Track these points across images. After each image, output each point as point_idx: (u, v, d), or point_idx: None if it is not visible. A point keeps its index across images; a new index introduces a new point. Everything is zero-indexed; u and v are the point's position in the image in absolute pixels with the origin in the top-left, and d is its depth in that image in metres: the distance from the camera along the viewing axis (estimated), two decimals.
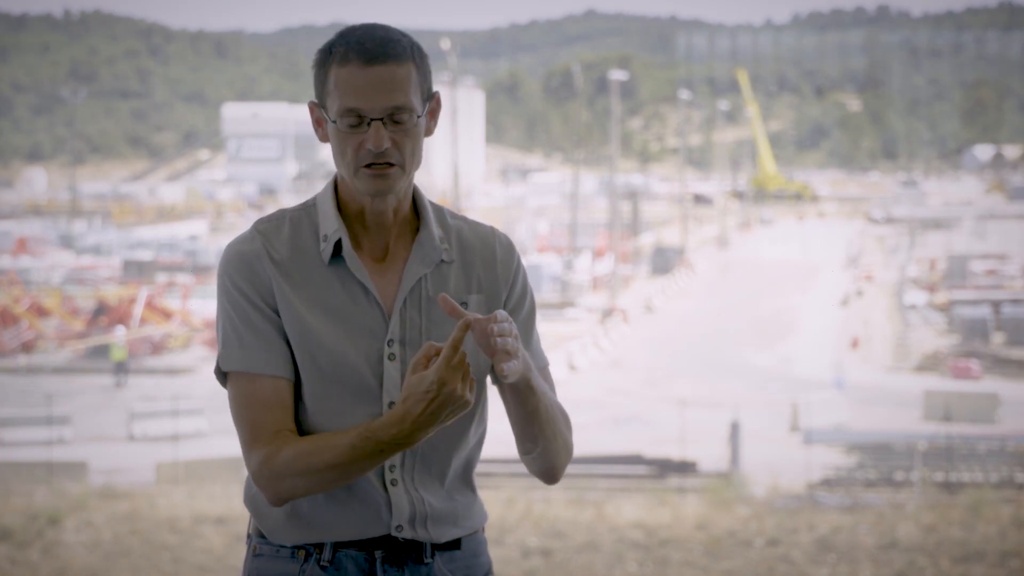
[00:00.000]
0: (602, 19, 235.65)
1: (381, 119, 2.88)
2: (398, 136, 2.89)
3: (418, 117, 2.91)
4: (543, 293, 54.29)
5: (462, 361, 2.77)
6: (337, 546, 2.96)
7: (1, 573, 23.14)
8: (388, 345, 2.93)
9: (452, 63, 64.22)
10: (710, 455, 29.17)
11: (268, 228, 2.99)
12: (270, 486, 2.89)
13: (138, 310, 45.00)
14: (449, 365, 2.76)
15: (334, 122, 2.90)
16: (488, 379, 3.07)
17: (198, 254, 62.88)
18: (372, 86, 2.87)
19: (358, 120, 2.89)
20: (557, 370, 39.88)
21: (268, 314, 2.93)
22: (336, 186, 3.01)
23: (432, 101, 2.97)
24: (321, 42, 2.99)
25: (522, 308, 3.10)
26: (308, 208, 3.01)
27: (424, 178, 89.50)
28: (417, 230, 3.01)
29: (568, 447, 3.03)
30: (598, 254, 63.49)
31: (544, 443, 2.99)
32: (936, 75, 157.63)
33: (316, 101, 2.96)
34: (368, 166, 2.90)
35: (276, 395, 2.92)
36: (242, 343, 2.92)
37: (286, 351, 2.92)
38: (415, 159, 2.93)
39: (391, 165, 2.90)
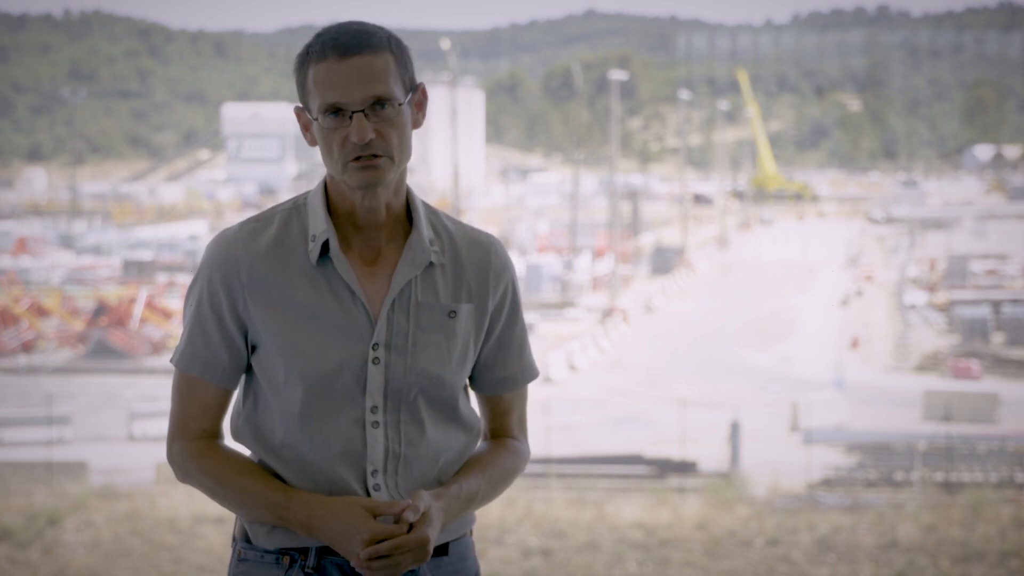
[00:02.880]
0: (602, 19, 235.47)
1: (363, 111, 2.86)
2: (382, 127, 2.87)
3: (400, 105, 2.88)
4: (543, 293, 54.29)
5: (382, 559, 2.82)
6: (321, 552, 2.94)
7: (1, 573, 23.14)
8: (373, 349, 2.92)
9: (452, 63, 64.16)
10: (710, 455, 29.16)
11: (256, 228, 2.97)
12: (178, 474, 3.01)
13: (138, 310, 45.02)
14: (372, 555, 2.81)
15: (316, 120, 2.89)
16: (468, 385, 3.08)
17: (198, 254, 62.80)
18: (350, 79, 2.86)
19: (340, 114, 2.87)
20: (557, 370, 39.85)
21: (226, 326, 2.95)
22: (326, 187, 2.98)
23: (417, 92, 2.95)
24: None
25: (515, 321, 3.06)
26: (299, 207, 2.99)
27: (424, 178, 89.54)
28: (409, 233, 2.98)
29: (508, 485, 3.11)
30: (598, 254, 63.49)
31: (480, 506, 3.07)
32: (936, 75, 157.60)
33: (301, 106, 2.94)
34: (356, 159, 2.87)
35: (208, 398, 2.98)
36: (192, 345, 2.97)
37: (228, 364, 2.97)
38: (403, 150, 2.90)
39: (378, 156, 2.88)
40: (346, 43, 2.87)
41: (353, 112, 2.86)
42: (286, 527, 2.91)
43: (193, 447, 2.98)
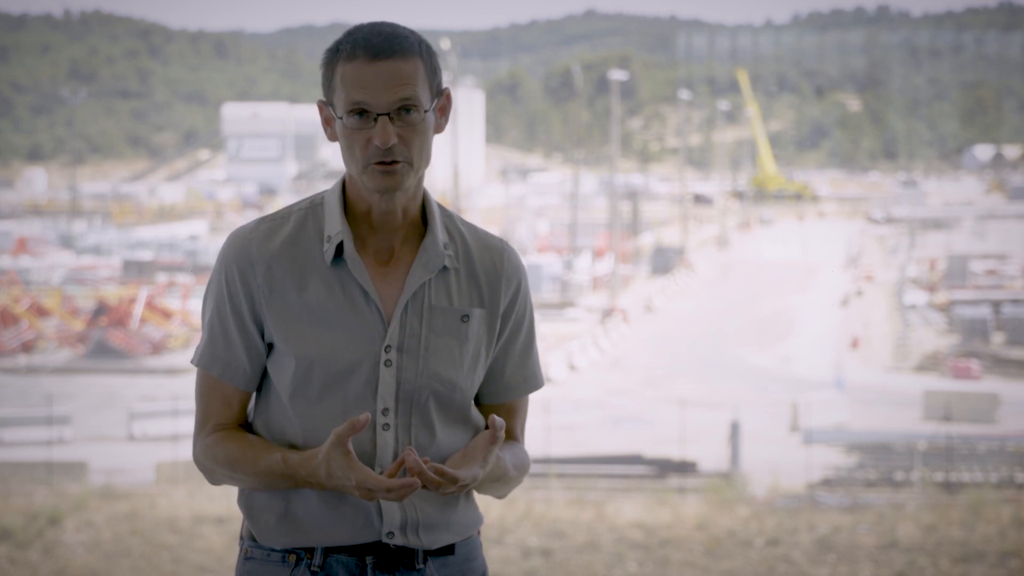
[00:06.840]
0: (602, 19, 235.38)
1: (388, 114, 2.85)
2: (405, 132, 2.87)
3: (425, 112, 2.88)
4: (543, 293, 54.28)
5: (393, 493, 2.80)
6: (328, 551, 2.95)
7: (1, 573, 23.15)
8: (385, 351, 2.91)
9: (452, 63, 64.16)
10: (710, 455, 29.17)
11: (272, 227, 2.97)
12: (205, 475, 2.99)
13: (138, 310, 45.02)
14: (382, 488, 2.79)
15: (341, 119, 2.88)
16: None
17: (198, 254, 62.83)
18: (378, 81, 2.85)
19: (365, 116, 2.86)
20: (557, 370, 39.85)
21: (246, 327, 2.95)
22: (344, 186, 2.98)
23: (442, 97, 2.94)
24: (321, 42, 2.99)
25: (521, 328, 3.05)
26: (315, 206, 2.99)
27: (424, 178, 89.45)
28: (424, 235, 2.98)
29: (519, 484, 3.09)
30: (598, 254, 63.48)
31: (495, 491, 3.05)
32: (936, 75, 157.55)
33: (324, 100, 2.93)
34: (377, 163, 2.87)
35: (228, 398, 2.97)
36: (212, 346, 2.97)
37: (248, 364, 2.96)
38: (423, 156, 2.91)
39: (398, 162, 2.88)
40: (378, 45, 2.86)
41: (378, 115, 2.86)
42: (301, 485, 2.90)
43: (209, 440, 2.97)
